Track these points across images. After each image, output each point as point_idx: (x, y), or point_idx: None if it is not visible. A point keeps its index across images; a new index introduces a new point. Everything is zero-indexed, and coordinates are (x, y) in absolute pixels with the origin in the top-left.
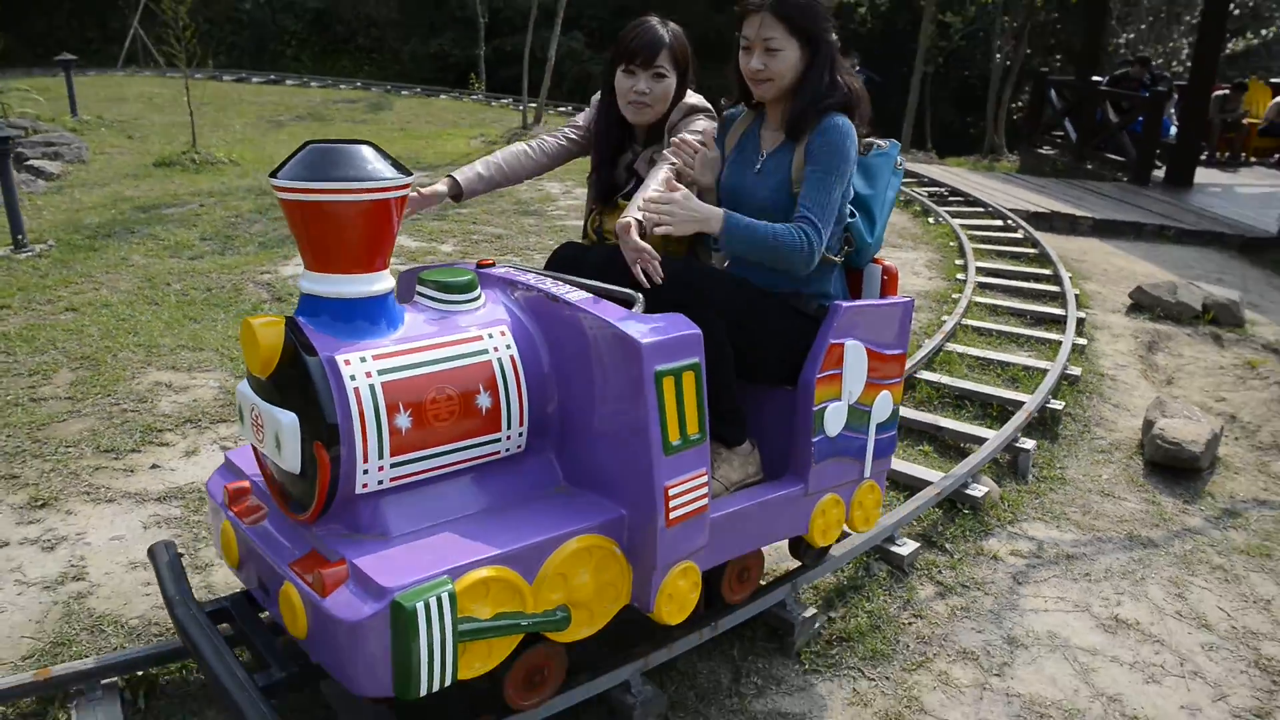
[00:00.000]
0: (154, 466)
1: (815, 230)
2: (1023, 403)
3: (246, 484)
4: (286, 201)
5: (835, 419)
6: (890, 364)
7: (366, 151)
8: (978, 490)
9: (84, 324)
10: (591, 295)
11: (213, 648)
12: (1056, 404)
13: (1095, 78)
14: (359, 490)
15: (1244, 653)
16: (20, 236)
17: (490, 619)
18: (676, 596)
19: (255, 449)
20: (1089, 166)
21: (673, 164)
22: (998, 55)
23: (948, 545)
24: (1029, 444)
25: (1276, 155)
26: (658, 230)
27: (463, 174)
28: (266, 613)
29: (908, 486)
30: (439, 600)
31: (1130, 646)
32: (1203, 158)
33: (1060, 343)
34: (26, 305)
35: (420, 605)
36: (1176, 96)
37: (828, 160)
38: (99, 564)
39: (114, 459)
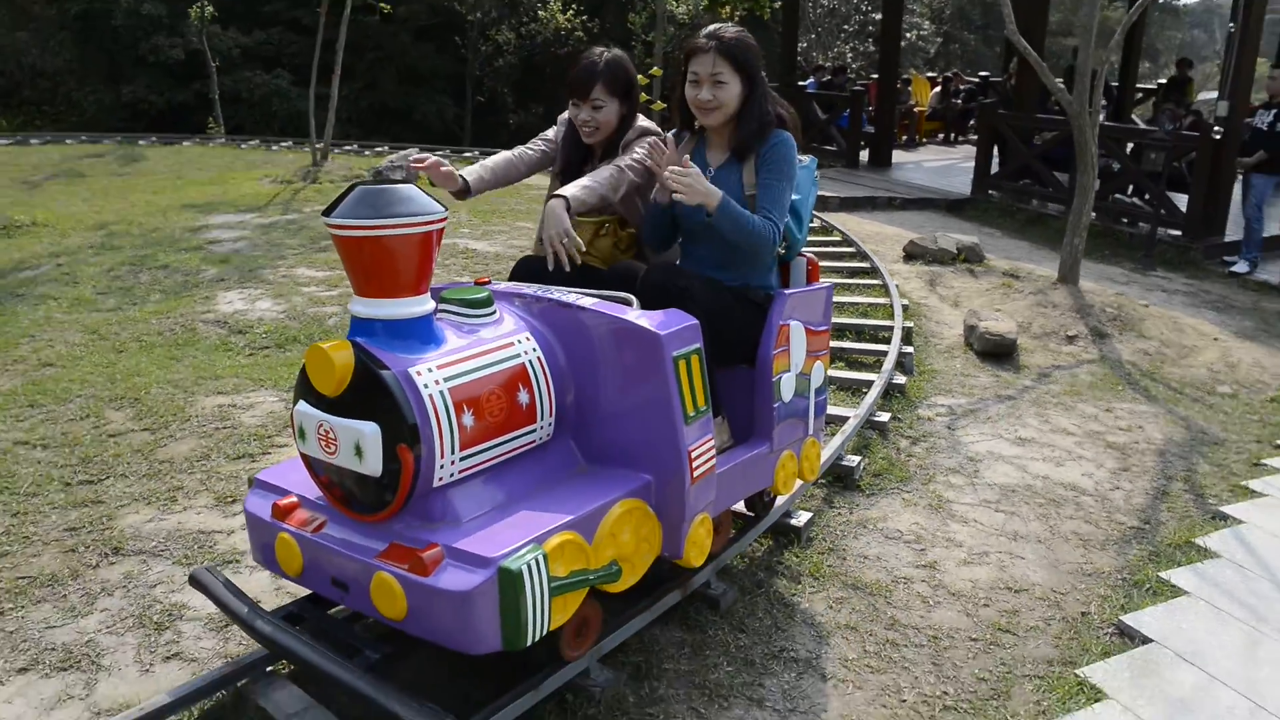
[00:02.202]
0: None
1: (777, 224)
2: (892, 326)
3: (295, 499)
4: (344, 238)
5: (787, 387)
6: (821, 338)
7: (411, 190)
8: (900, 379)
9: (81, 373)
10: (596, 299)
11: (312, 649)
12: (909, 324)
13: (801, 82)
14: (435, 484)
15: (1098, 443)
16: None
17: (568, 576)
18: (698, 543)
19: (309, 462)
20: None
21: (642, 160)
22: None
23: (899, 415)
24: (909, 349)
25: (941, 135)
26: (675, 196)
27: (471, 173)
28: (336, 608)
29: (863, 383)
30: (535, 562)
31: (1038, 451)
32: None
33: (885, 286)
34: (10, 362)
35: (523, 566)
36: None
37: (778, 169)
38: None
39: (251, 461)
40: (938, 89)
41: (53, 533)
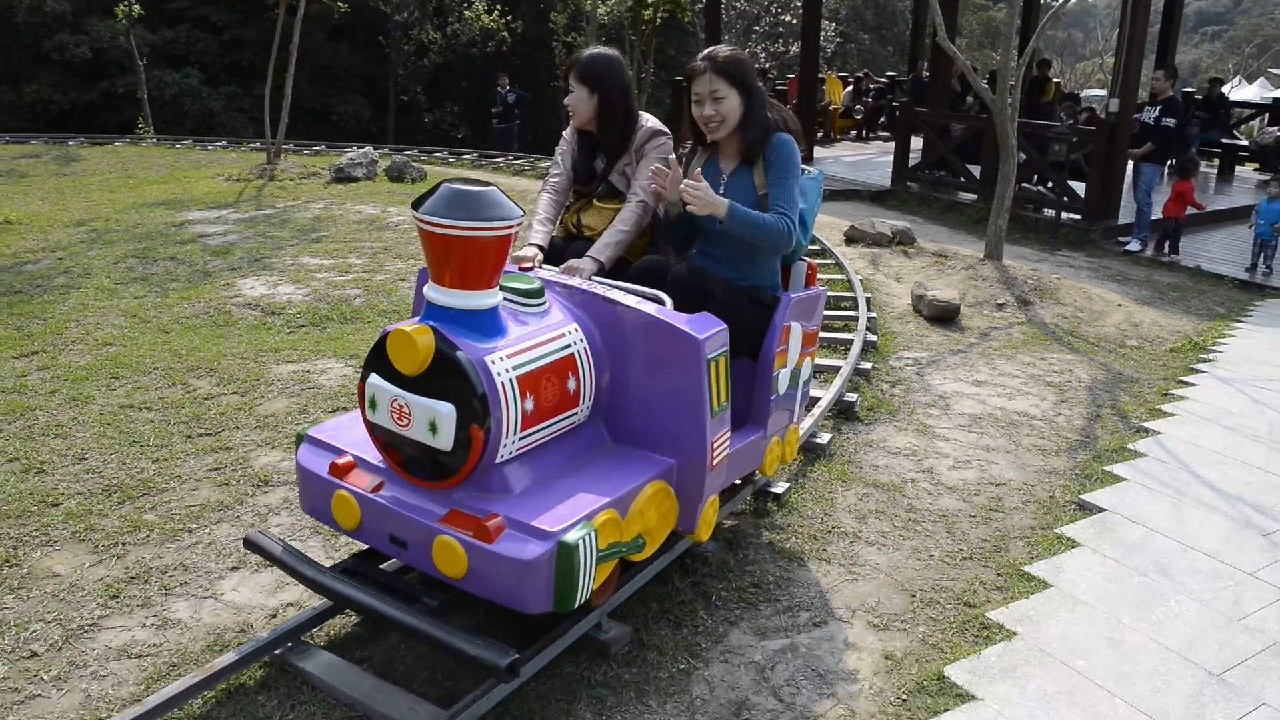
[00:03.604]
0: None
1: (790, 218)
2: (855, 296)
3: (352, 459)
4: (434, 234)
5: (783, 381)
6: (813, 336)
7: (497, 195)
8: (872, 337)
9: (144, 351)
10: (634, 296)
11: (379, 599)
12: (868, 294)
13: None
14: (497, 460)
15: (1039, 383)
16: None
17: (606, 548)
18: (708, 520)
19: (372, 428)
20: None
21: (654, 182)
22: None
23: (877, 364)
24: (873, 314)
25: (853, 132)
26: (689, 208)
27: (539, 237)
28: (388, 561)
29: (842, 342)
30: (587, 538)
31: (992, 389)
32: None
33: (839, 264)
34: (52, 346)
35: (579, 540)
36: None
37: (784, 168)
38: None
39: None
40: (849, 88)
41: (199, 472)
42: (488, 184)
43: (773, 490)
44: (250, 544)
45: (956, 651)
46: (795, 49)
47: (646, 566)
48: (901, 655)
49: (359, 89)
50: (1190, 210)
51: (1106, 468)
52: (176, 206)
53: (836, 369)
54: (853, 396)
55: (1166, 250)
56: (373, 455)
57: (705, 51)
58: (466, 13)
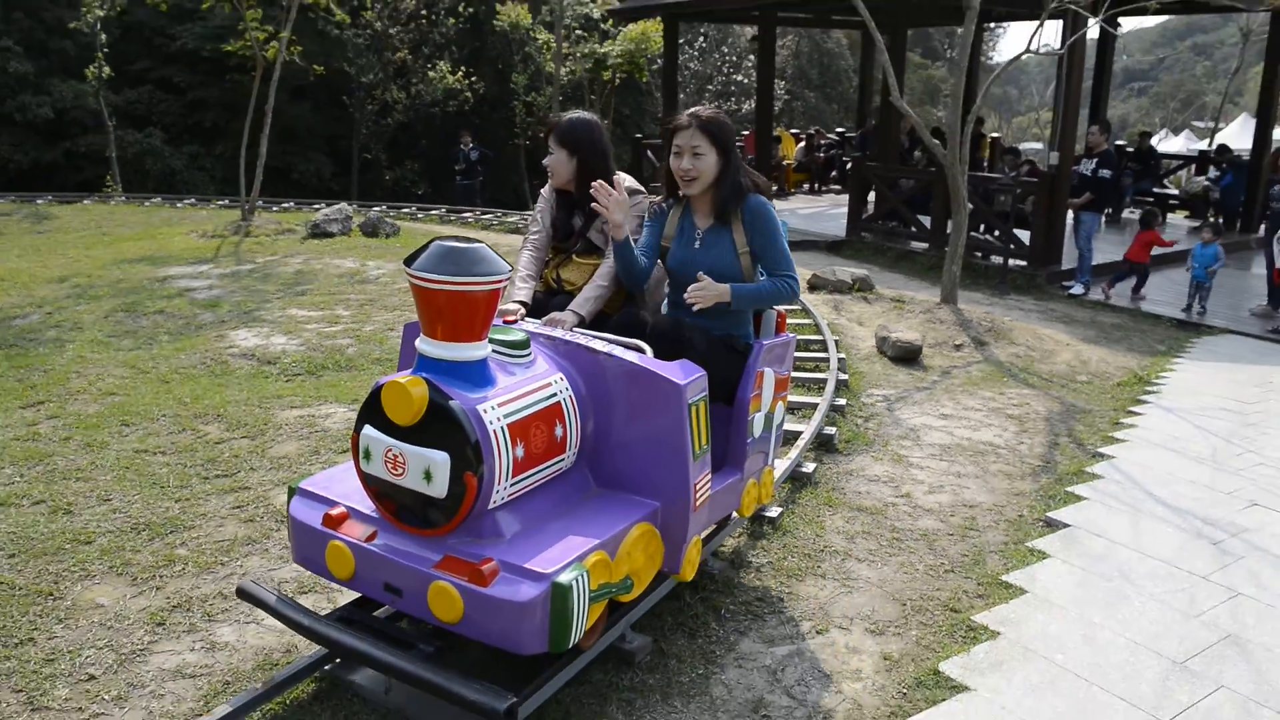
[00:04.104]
0: None
1: (793, 276)
2: (824, 339)
3: (344, 510)
4: (425, 289)
5: (758, 425)
6: (784, 382)
7: (486, 251)
8: (844, 376)
9: (148, 399)
10: (615, 346)
11: (375, 646)
12: (835, 337)
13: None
14: (489, 506)
15: (1000, 415)
16: None
17: (597, 589)
18: (692, 560)
19: (365, 479)
20: None
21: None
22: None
23: (850, 401)
24: (842, 355)
25: (806, 185)
26: (695, 308)
27: (523, 294)
28: (381, 609)
29: (816, 381)
30: (579, 578)
31: (958, 422)
32: None
33: (806, 309)
34: (57, 396)
35: (572, 581)
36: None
37: (768, 229)
38: None
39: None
40: (802, 144)
41: (223, 510)
42: (475, 240)
43: (767, 515)
44: (243, 594)
45: (948, 650)
46: (746, 107)
47: (633, 608)
48: (898, 656)
49: (320, 147)
50: (1159, 250)
51: (1068, 488)
52: (156, 262)
53: (814, 405)
54: (831, 430)
55: (1132, 293)
56: (364, 506)
57: (691, 109)
58: (431, 73)
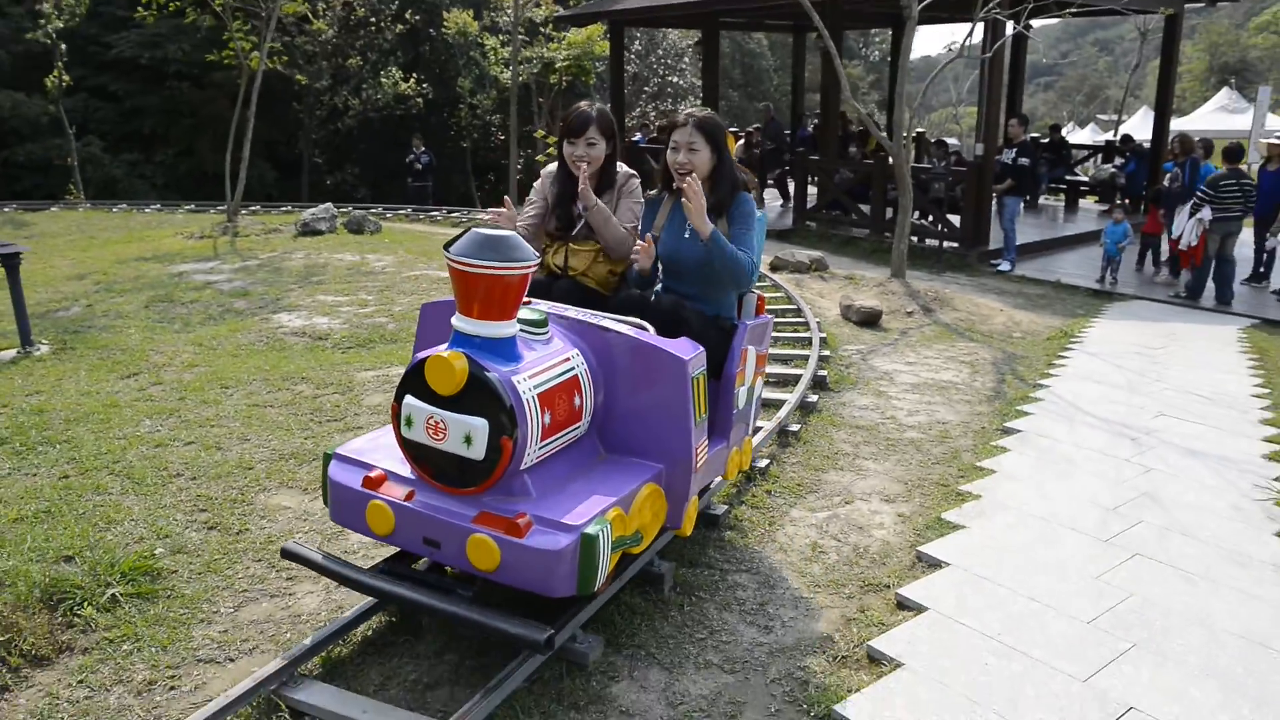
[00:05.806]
0: None
1: (754, 260)
2: (799, 307)
3: (382, 473)
4: (465, 272)
5: (741, 397)
6: (763, 359)
7: (518, 239)
8: (823, 334)
9: (228, 368)
10: (623, 324)
11: (419, 592)
12: (807, 306)
13: (633, 139)
14: (520, 468)
15: (955, 362)
16: (29, 340)
17: (615, 540)
18: (691, 517)
19: (405, 443)
20: None
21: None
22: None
23: (831, 353)
24: (817, 319)
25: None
26: (688, 204)
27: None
28: (420, 560)
29: (802, 340)
30: (604, 530)
31: (922, 367)
32: None
33: (777, 284)
34: (147, 369)
35: (598, 532)
36: None
37: (748, 222)
38: None
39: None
40: (741, 142)
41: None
42: (506, 230)
43: (790, 429)
44: (288, 554)
45: (946, 507)
46: (682, 107)
47: (636, 560)
48: (910, 513)
49: (262, 153)
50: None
51: (1018, 408)
52: (163, 261)
53: (805, 356)
54: (824, 373)
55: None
56: (399, 468)
57: (689, 109)
58: (383, 79)
